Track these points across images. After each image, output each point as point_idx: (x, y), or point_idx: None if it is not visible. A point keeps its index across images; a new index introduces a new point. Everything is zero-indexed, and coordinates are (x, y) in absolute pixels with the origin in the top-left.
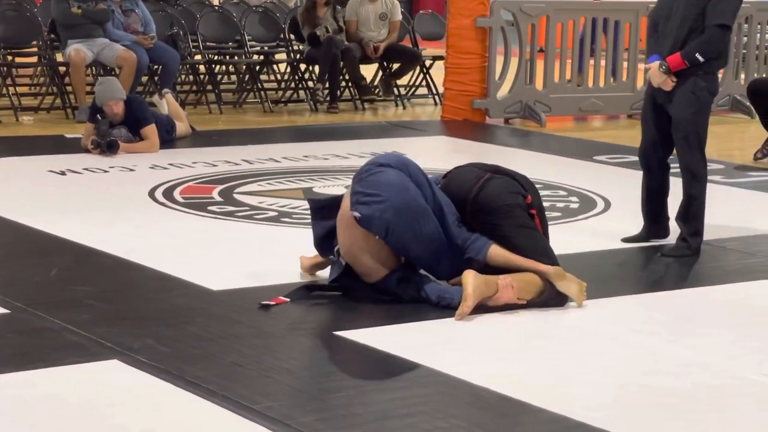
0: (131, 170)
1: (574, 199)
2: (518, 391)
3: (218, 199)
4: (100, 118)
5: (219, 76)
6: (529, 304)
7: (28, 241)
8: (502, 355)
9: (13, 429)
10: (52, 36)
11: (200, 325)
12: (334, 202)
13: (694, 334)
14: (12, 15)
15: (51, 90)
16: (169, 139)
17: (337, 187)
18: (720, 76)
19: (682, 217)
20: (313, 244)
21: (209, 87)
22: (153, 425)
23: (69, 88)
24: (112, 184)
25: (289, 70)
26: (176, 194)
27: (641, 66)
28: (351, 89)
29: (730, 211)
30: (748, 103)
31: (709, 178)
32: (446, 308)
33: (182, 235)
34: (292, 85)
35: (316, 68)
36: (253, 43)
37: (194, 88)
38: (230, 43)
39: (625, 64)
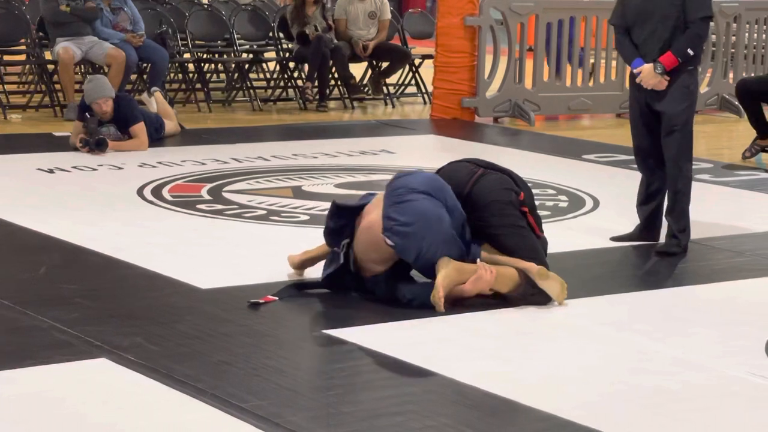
0: (120, 168)
1: (563, 197)
2: (507, 390)
3: (207, 197)
4: (88, 116)
5: (208, 75)
6: (510, 302)
7: (16, 239)
8: (490, 354)
9: (0, 427)
10: (41, 34)
11: (189, 324)
12: (357, 210)
13: (681, 333)
14: (0, 13)
15: (39, 88)
16: (157, 137)
17: (326, 185)
18: (708, 75)
19: (670, 213)
20: (323, 232)
21: (198, 85)
22: (141, 424)
23: (57, 86)
24: (101, 182)
25: (278, 68)
26: (165, 192)
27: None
28: (340, 88)
29: (719, 209)
30: (736, 103)
31: (698, 177)
32: (421, 307)
33: (171, 234)
34: (281, 83)
35: (305, 67)
36: (242, 41)
37: (183, 86)
38: (219, 42)
39: (614, 63)
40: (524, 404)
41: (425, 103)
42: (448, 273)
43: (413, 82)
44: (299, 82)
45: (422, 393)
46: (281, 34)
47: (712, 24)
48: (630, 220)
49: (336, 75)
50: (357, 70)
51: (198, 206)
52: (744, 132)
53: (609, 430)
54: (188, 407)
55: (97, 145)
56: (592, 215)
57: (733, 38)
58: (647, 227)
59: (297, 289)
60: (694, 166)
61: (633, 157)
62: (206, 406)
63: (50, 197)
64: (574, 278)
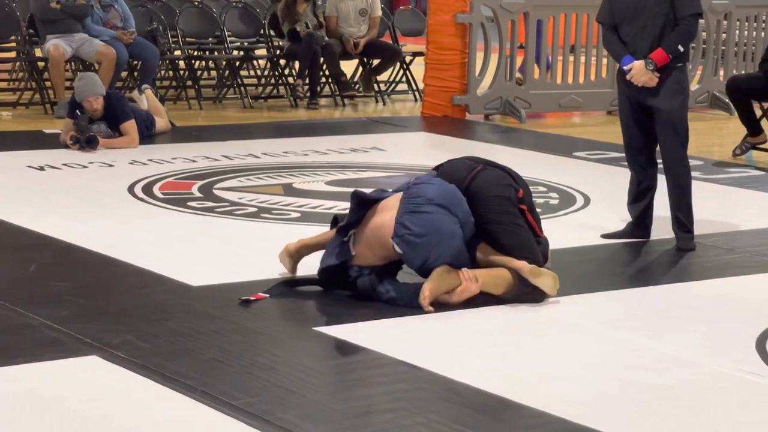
0: (110, 166)
1: (554, 195)
2: (498, 387)
3: (198, 194)
4: (79, 113)
5: (199, 72)
6: (502, 299)
7: (7, 237)
8: (481, 351)
9: None
10: (31, 31)
11: (180, 321)
12: (373, 202)
13: (672, 330)
14: None
15: (30, 85)
16: (148, 134)
17: (317, 182)
18: (699, 73)
19: (679, 209)
20: (338, 225)
21: (189, 83)
22: (132, 421)
23: (48, 84)
24: (92, 179)
25: (269, 65)
26: (156, 190)
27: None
28: (331, 85)
29: (710, 207)
30: (727, 100)
31: None
32: (405, 307)
33: (162, 231)
34: (272, 80)
35: (296, 64)
36: (233, 38)
37: (174, 83)
38: (210, 39)
39: (605, 60)
40: (516, 401)
41: (416, 100)
42: (437, 275)
43: (404, 79)
44: (290, 80)
45: (413, 390)
46: (272, 32)
47: (702, 21)
48: (621, 217)
49: (327, 72)
50: (348, 67)
51: (189, 203)
52: (734, 129)
53: (601, 426)
54: (179, 405)
55: (87, 143)
56: (582, 212)
57: (724, 36)
58: (638, 224)
59: (288, 286)
60: None
61: (623, 155)
62: (197, 403)
63: (41, 195)
64: (566, 275)
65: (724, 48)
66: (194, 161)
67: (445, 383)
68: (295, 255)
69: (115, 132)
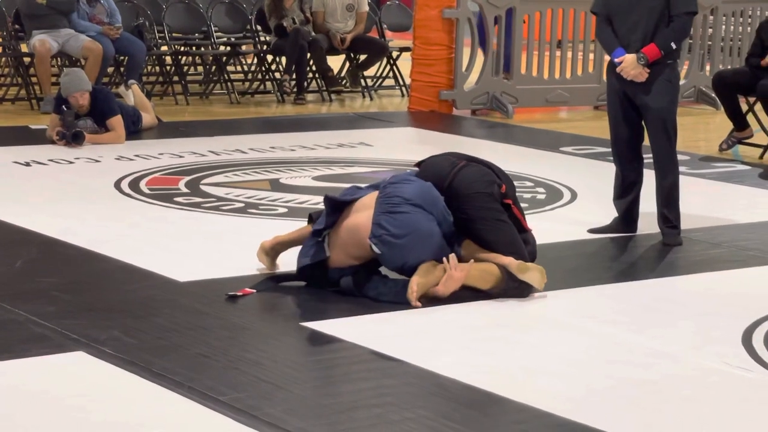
0: (97, 161)
1: (541, 189)
2: (484, 382)
3: (185, 190)
4: (65, 109)
5: (185, 67)
6: (489, 294)
7: None
8: (468, 346)
9: None
10: (17, 26)
11: (167, 317)
12: (347, 203)
13: (659, 324)
14: None
15: (16, 81)
16: (135, 130)
17: (304, 178)
18: (685, 68)
19: (666, 205)
20: (315, 226)
21: (175, 78)
22: (119, 417)
23: (34, 79)
24: (78, 175)
25: (255, 61)
26: (142, 185)
27: (607, 58)
28: (318, 80)
29: (696, 201)
30: (713, 95)
31: None
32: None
33: (148, 227)
34: (259, 76)
35: (283, 59)
36: (220, 34)
37: (160, 79)
38: (197, 34)
39: (592, 55)
40: (502, 396)
41: (403, 95)
42: (426, 271)
43: (391, 74)
44: (277, 75)
45: (401, 385)
46: (259, 27)
47: None
48: (607, 212)
49: (314, 68)
50: (335, 62)
51: (176, 199)
52: (721, 124)
53: (587, 421)
54: (166, 400)
55: (74, 138)
56: (569, 207)
57: (710, 31)
58: (625, 219)
59: (275, 281)
60: None
61: (610, 149)
62: (184, 399)
63: (27, 190)
64: (552, 270)
65: (710, 43)
66: (181, 157)
67: (432, 378)
68: (271, 252)
69: (102, 128)
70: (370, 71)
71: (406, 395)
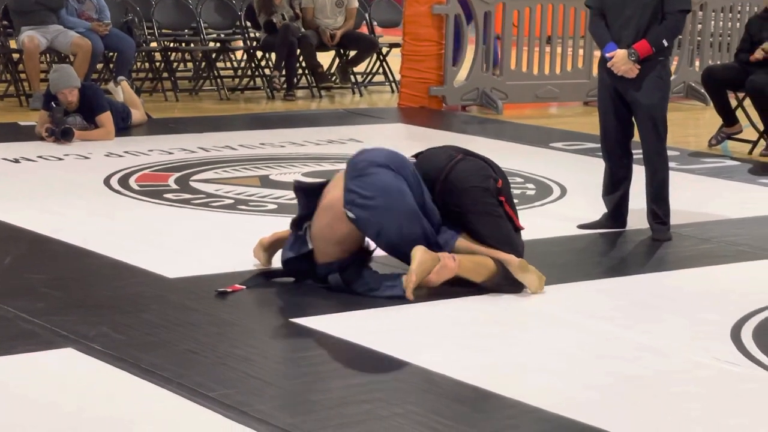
0: (86, 158)
1: (531, 185)
2: (475, 378)
3: (174, 186)
4: (54, 105)
5: (175, 64)
6: (482, 287)
7: None
8: (458, 342)
9: None
10: (6, 22)
11: (156, 313)
12: (320, 188)
13: (649, 320)
14: None
15: (4, 77)
16: (124, 126)
17: (294, 174)
18: (675, 63)
19: (655, 201)
20: (292, 220)
21: (165, 74)
22: (108, 413)
23: (23, 76)
24: (67, 171)
25: (245, 57)
26: (132, 182)
27: (597, 53)
28: (308, 77)
29: (685, 197)
30: (702, 90)
31: None
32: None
33: (138, 223)
34: (249, 72)
35: (273, 56)
36: (210, 30)
37: (150, 75)
38: (186, 31)
39: (581, 51)
40: (493, 392)
41: (393, 91)
42: (424, 260)
43: (381, 70)
44: (267, 71)
45: (391, 381)
46: (248, 23)
47: None
48: (597, 208)
49: (303, 64)
50: (324, 58)
51: (165, 195)
52: (710, 120)
53: (577, 416)
54: (155, 396)
55: (63, 135)
56: (559, 203)
57: (700, 26)
58: (614, 215)
59: (264, 277)
60: None
61: (600, 145)
62: (173, 395)
63: (16, 187)
64: (542, 266)
65: (699, 39)
66: (170, 153)
67: (423, 374)
68: (270, 249)
69: (91, 124)
70: (360, 67)
71: (395, 391)
